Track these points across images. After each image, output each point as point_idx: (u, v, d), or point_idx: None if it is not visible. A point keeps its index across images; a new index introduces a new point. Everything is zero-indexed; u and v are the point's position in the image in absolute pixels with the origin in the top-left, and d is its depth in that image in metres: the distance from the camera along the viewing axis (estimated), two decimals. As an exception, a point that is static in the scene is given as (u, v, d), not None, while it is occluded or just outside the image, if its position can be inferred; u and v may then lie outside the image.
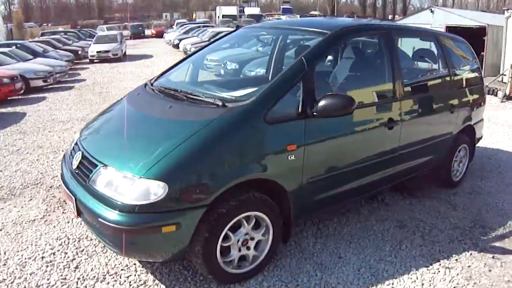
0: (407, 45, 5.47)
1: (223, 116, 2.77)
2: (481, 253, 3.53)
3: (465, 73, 4.84)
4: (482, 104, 5.17)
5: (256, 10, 48.59)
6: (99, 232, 2.71)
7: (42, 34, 28.23)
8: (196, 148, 2.61)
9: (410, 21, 17.47)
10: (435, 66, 4.65)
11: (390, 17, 51.52)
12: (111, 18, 58.33)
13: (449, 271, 3.26)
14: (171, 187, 2.49)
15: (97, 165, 2.78)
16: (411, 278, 3.17)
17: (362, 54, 4.18)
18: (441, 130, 4.42)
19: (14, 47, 14.84)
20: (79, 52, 20.03)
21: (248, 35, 6.56)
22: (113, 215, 2.51)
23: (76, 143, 3.30)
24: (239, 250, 2.89)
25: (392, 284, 3.10)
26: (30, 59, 13.58)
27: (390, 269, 3.26)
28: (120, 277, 3.10)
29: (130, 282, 3.05)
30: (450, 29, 15.76)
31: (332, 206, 3.63)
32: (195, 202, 2.57)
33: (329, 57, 4.60)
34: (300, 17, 49.27)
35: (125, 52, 21.88)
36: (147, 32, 41.95)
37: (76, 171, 2.97)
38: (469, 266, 3.34)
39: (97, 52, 18.95)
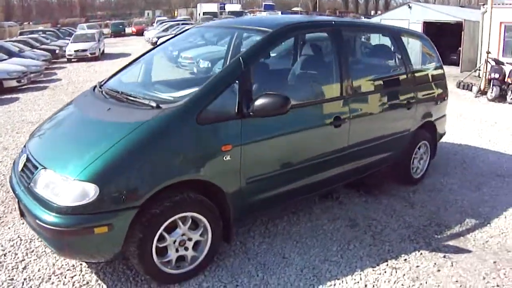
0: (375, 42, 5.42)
1: (154, 118, 2.76)
2: (433, 252, 3.42)
3: (424, 69, 4.76)
4: (444, 100, 5.08)
5: (236, 7, 48.36)
6: (39, 234, 2.75)
7: (21, 34, 27.83)
8: (127, 150, 2.61)
9: (388, 16, 17.54)
10: (390, 63, 4.56)
11: (372, 12, 51.82)
12: (93, 16, 57.53)
13: (396, 272, 3.14)
14: (102, 189, 2.51)
15: (37, 168, 2.81)
16: (354, 279, 3.05)
17: (317, 52, 4.09)
18: (397, 127, 4.33)
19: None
20: (57, 51, 19.71)
21: (198, 34, 6.47)
22: (50, 217, 2.55)
23: (24, 146, 3.35)
24: (177, 250, 2.88)
25: (334, 285, 2.99)
26: (5, 59, 13.29)
27: (334, 270, 3.17)
28: (65, 277, 3.11)
29: (74, 282, 3.05)
30: (427, 24, 15.84)
31: (276, 206, 3.53)
32: (126, 203, 2.57)
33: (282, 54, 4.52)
34: (281, 13, 49.29)
35: (103, 51, 21.61)
36: (128, 30, 41.62)
37: (21, 174, 3.01)
38: (417, 266, 3.23)
39: (74, 51, 18.74)
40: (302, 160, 3.44)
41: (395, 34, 4.53)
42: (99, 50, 19.94)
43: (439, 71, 5.05)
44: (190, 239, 2.91)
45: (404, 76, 4.40)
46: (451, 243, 3.60)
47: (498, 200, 4.52)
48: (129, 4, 67.36)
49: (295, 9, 58.37)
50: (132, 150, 2.61)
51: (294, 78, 3.82)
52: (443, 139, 6.65)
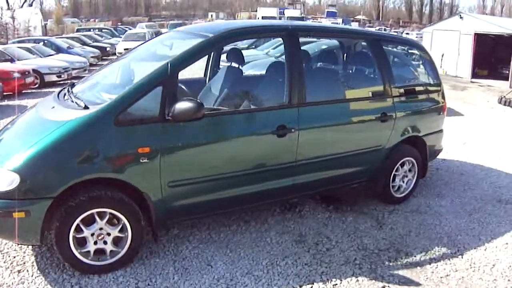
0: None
1: (76, 118, 2.86)
2: (372, 280, 3.02)
3: (412, 80, 4.29)
4: (439, 114, 4.57)
5: (296, 13, 47.95)
6: None
7: (77, 30, 28.96)
8: (47, 146, 2.74)
9: (439, 27, 16.54)
10: (360, 72, 4.19)
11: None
12: (157, 16, 59.16)
13: (316, 298, 2.81)
14: (22, 178, 2.66)
15: None
16: (265, 299, 2.76)
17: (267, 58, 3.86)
18: (366, 141, 3.93)
19: (42, 43, 15.28)
20: (108, 49, 20.30)
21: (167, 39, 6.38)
22: None
23: None
24: (95, 243, 2.95)
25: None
26: (51, 55, 13.91)
27: (250, 285, 2.94)
28: (8, 256, 3.25)
29: (13, 261, 3.19)
30: (479, 36, 14.71)
31: (206, 213, 3.32)
32: (43, 193, 2.71)
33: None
34: (342, 21, 48.34)
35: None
36: None
37: None
38: (344, 294, 2.87)
39: (124, 49, 18.74)
40: (236, 168, 3.25)
41: (373, 41, 4.11)
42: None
43: (433, 83, 4.55)
44: (109, 234, 2.95)
45: (379, 87, 3.98)
46: (401, 272, 3.17)
47: (487, 229, 3.97)
48: (194, 5, 68.54)
49: (358, 17, 57.14)
50: (51, 146, 2.73)
51: (232, 84, 3.64)
52: (456, 156, 6.07)
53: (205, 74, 4.62)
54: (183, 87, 3.78)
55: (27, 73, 10.62)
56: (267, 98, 3.52)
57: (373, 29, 40.71)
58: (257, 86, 3.85)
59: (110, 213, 2.90)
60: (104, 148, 2.80)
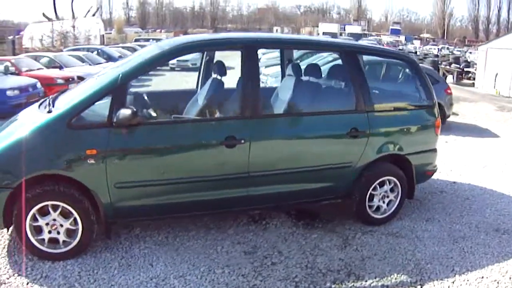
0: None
1: (37, 120, 3.09)
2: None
3: (394, 95, 3.93)
4: (429, 132, 4.14)
5: (357, 29, 46.87)
6: None
7: (135, 40, 29.56)
8: (12, 143, 2.99)
9: (494, 45, 15.31)
10: (328, 85, 3.91)
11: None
12: (223, 28, 59.88)
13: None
14: None
15: None
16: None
17: (222, 71, 3.97)
18: (332, 156, 3.66)
19: (95, 52, 15.94)
20: None
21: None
22: None
23: None
24: (49, 232, 3.10)
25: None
26: (100, 63, 14.28)
27: (177, 286, 2.94)
28: None
29: None
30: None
31: (155, 215, 3.34)
32: (4, 184, 2.94)
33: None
34: (405, 38, 46.50)
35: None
36: None
37: None
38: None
39: (177, 60, 18.57)
40: (183, 175, 3.26)
41: (348, 53, 3.81)
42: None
43: (423, 99, 4.14)
44: (61, 225, 3.10)
45: (350, 101, 3.70)
46: (340, 297, 2.89)
47: (466, 259, 3.52)
48: (260, 19, 68.89)
49: (423, 35, 54.76)
50: (15, 143, 2.98)
51: (211, 95, 3.67)
52: (470, 180, 5.49)
53: (196, 86, 4.62)
54: (145, 97, 3.88)
55: (71, 79, 10.88)
56: (224, 109, 3.54)
57: (435, 47, 38.69)
58: (226, 98, 3.81)
59: (63, 207, 3.06)
60: (58, 148, 2.99)
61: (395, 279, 3.15)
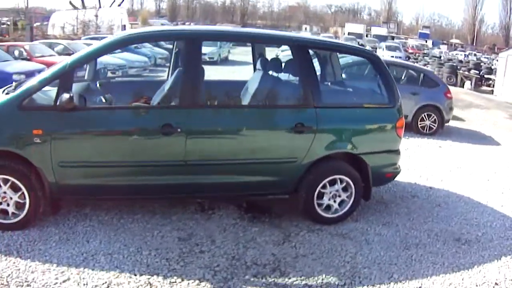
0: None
1: None
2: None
3: (348, 92, 3.70)
4: (388, 132, 3.87)
5: (383, 31, 45.66)
6: None
7: None
8: None
9: (514, 52, 14.52)
10: (272, 78, 3.79)
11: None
12: (252, 24, 58.71)
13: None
14: None
15: None
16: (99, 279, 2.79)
17: (167, 61, 3.85)
18: (275, 150, 3.51)
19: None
20: (164, 56, 18.68)
21: None
22: None
23: None
24: (0, 203, 3.20)
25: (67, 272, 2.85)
26: (114, 52, 13.85)
27: (102, 262, 2.98)
28: None
29: None
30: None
31: (96, 195, 3.42)
32: None
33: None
34: (432, 42, 45.15)
35: (226, 57, 21.63)
36: None
37: None
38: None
39: None
40: (122, 159, 3.30)
41: (298, 47, 3.63)
42: (219, 55, 19.85)
43: (383, 98, 3.88)
44: (11, 198, 3.19)
45: (297, 96, 3.54)
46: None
47: (410, 268, 3.28)
48: (290, 17, 67.82)
49: (452, 40, 53.07)
50: None
51: (172, 84, 3.67)
52: (447, 186, 5.17)
53: (167, 76, 4.58)
54: (98, 86, 4.01)
55: None
56: (156, 97, 3.60)
57: (461, 53, 37.32)
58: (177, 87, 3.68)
59: (13, 181, 3.15)
60: (10, 127, 3.13)
61: (322, 279, 2.96)
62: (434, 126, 8.15)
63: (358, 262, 3.25)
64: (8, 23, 24.84)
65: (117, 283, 2.75)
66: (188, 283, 2.80)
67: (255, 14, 69.06)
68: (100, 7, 26.78)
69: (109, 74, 12.12)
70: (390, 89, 3.82)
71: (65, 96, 3.03)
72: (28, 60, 10.37)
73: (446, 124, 8.63)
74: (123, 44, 3.81)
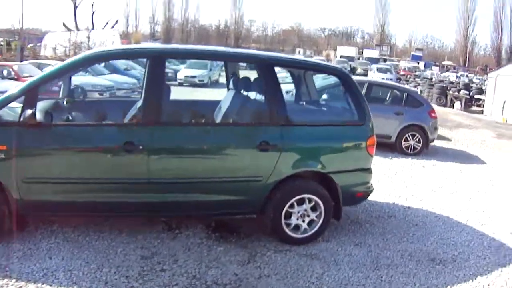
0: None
1: None
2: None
3: (315, 110, 3.65)
4: (358, 150, 3.80)
5: (375, 53, 46.28)
6: None
7: None
8: None
9: (504, 71, 14.78)
10: (234, 96, 3.79)
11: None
12: (246, 47, 59.01)
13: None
14: None
15: None
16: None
17: (131, 78, 3.86)
18: (239, 169, 3.44)
19: (103, 63, 15.01)
20: (169, 74, 18.46)
21: None
22: None
23: None
24: None
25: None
26: (103, 74, 13.32)
27: (61, 278, 2.94)
28: None
29: None
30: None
31: (59, 212, 3.37)
32: None
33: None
34: (424, 64, 45.66)
35: (216, 80, 20.67)
36: None
37: None
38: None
39: (184, 76, 18.52)
40: (85, 176, 3.24)
41: (263, 65, 3.60)
42: (209, 78, 19.56)
43: (353, 115, 3.82)
44: None
45: (262, 114, 3.52)
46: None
47: (377, 289, 3.16)
48: (284, 40, 68.09)
49: (444, 62, 53.76)
50: None
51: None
52: (425, 205, 5.07)
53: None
54: (65, 103, 4.01)
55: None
56: (119, 115, 3.65)
57: (453, 74, 37.67)
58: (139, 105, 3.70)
59: None
60: None
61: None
62: (419, 146, 8.06)
63: (324, 283, 3.13)
64: (2, 43, 25.07)
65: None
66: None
67: (249, 38, 69.61)
68: (93, 28, 26.94)
69: (96, 95, 12.12)
70: (360, 107, 3.76)
71: (28, 112, 3.01)
72: (15, 79, 10.36)
73: (432, 144, 8.59)
74: (85, 63, 3.77)
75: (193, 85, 18.58)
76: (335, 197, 3.71)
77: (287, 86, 4.29)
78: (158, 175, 3.26)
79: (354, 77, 11.16)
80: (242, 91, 3.94)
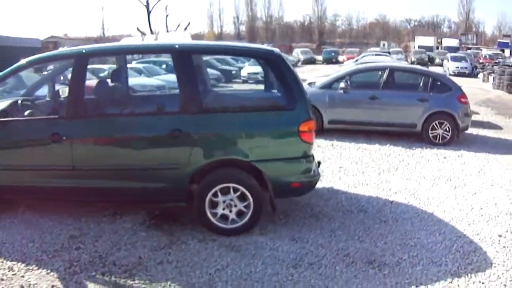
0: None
1: None
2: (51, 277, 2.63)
3: (239, 95, 3.16)
4: (288, 137, 3.25)
5: (454, 42, 40.52)
6: None
7: None
8: None
9: None
10: (143, 86, 3.47)
11: None
12: (331, 42, 54.86)
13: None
14: None
15: None
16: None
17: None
18: (155, 158, 3.21)
19: (164, 64, 13.87)
20: (233, 72, 17.54)
21: None
22: None
23: None
24: None
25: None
26: (158, 75, 12.36)
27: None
28: None
29: None
30: None
31: (21, 196, 3.51)
32: None
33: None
34: (510, 52, 39.28)
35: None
36: (340, 58, 34.40)
37: None
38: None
39: (247, 73, 16.69)
40: (24, 164, 3.35)
41: (180, 53, 3.30)
42: None
43: (281, 100, 3.28)
44: None
45: (177, 102, 3.19)
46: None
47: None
48: (368, 33, 62.12)
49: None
50: None
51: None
52: (413, 201, 4.22)
53: None
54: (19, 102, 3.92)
55: None
56: (45, 109, 3.68)
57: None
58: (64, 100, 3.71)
59: None
60: None
61: (163, 286, 2.54)
62: (448, 135, 6.79)
63: (221, 276, 2.74)
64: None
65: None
66: (41, 271, 2.76)
67: (334, 32, 65.21)
68: (167, 31, 27.23)
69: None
70: (290, 91, 3.18)
71: None
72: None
73: (475, 133, 7.16)
74: (29, 66, 3.70)
75: (257, 82, 16.91)
76: (264, 187, 3.22)
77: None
78: (81, 163, 3.27)
79: (371, 63, 9.79)
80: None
